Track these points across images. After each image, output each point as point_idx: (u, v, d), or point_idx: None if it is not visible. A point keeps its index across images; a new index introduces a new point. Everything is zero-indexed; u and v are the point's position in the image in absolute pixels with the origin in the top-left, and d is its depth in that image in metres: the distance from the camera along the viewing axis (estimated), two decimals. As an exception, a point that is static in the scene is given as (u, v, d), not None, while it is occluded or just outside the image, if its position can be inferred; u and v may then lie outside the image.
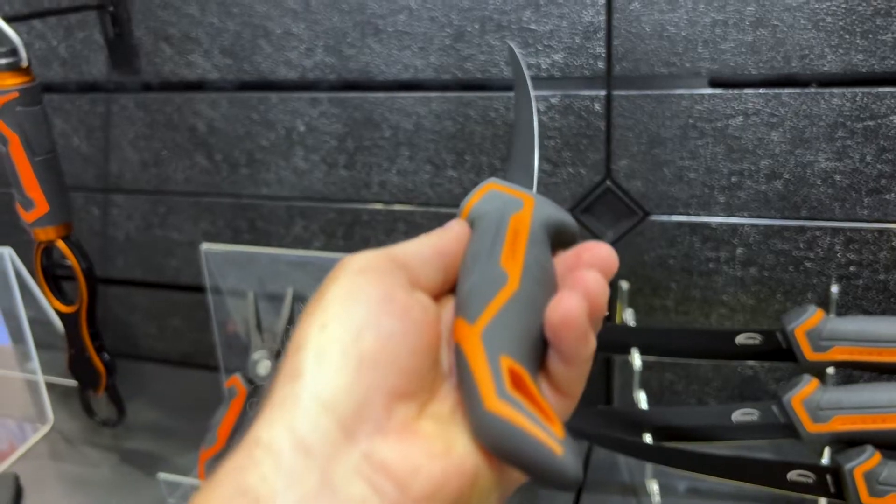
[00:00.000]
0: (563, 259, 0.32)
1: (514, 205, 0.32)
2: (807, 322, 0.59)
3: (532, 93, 0.39)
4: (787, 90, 0.61)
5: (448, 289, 0.32)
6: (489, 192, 0.34)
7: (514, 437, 0.24)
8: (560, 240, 0.33)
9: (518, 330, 0.27)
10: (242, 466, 0.24)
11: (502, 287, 0.28)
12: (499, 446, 0.25)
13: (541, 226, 0.32)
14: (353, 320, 0.27)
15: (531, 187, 0.35)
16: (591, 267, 0.30)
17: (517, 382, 0.26)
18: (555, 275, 0.31)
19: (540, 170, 0.67)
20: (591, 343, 0.28)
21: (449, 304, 0.31)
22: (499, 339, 0.27)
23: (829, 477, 0.56)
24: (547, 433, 0.24)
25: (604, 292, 0.28)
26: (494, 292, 0.28)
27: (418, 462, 0.25)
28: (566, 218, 0.33)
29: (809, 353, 0.60)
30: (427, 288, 0.30)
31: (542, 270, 0.30)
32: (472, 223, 0.33)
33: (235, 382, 0.71)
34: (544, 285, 0.29)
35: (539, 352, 0.28)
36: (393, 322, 0.27)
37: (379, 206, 0.77)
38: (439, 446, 0.26)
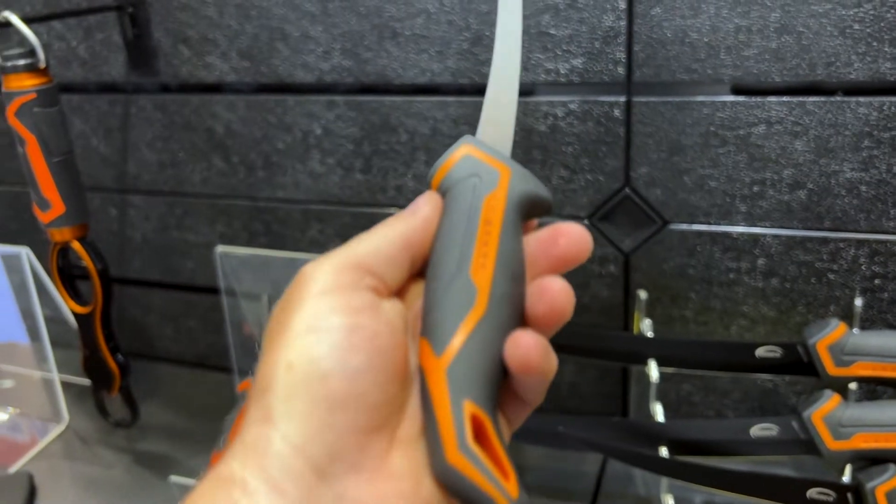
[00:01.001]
0: (538, 237, 0.31)
1: (489, 179, 0.31)
2: (829, 336, 0.58)
3: (520, 32, 0.36)
4: (811, 98, 0.60)
5: (417, 271, 0.31)
6: (464, 158, 0.32)
7: (471, 493, 0.26)
8: (534, 210, 0.32)
9: (483, 364, 0.28)
10: (217, 502, 0.25)
11: (471, 309, 0.28)
12: (456, 495, 0.27)
13: (514, 206, 0.31)
14: (319, 360, 0.26)
15: (507, 149, 0.34)
16: (566, 255, 0.30)
17: (479, 432, 0.27)
18: (524, 265, 0.31)
19: (558, 176, 0.66)
20: (552, 369, 0.29)
21: (418, 290, 0.31)
22: (464, 379, 0.27)
23: (849, 495, 0.54)
24: (501, 492, 0.26)
25: (570, 302, 0.29)
26: (463, 315, 0.28)
27: (389, 503, 0.26)
28: (541, 191, 0.32)
29: (831, 368, 0.58)
30: (393, 285, 0.30)
31: (511, 270, 0.30)
32: (444, 193, 0.32)
33: (248, 387, 0.70)
34: (513, 292, 0.29)
35: (502, 373, 0.29)
36: (360, 358, 0.27)
37: (394, 211, 0.76)
38: (408, 485, 0.27)
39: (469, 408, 0.27)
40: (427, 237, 0.31)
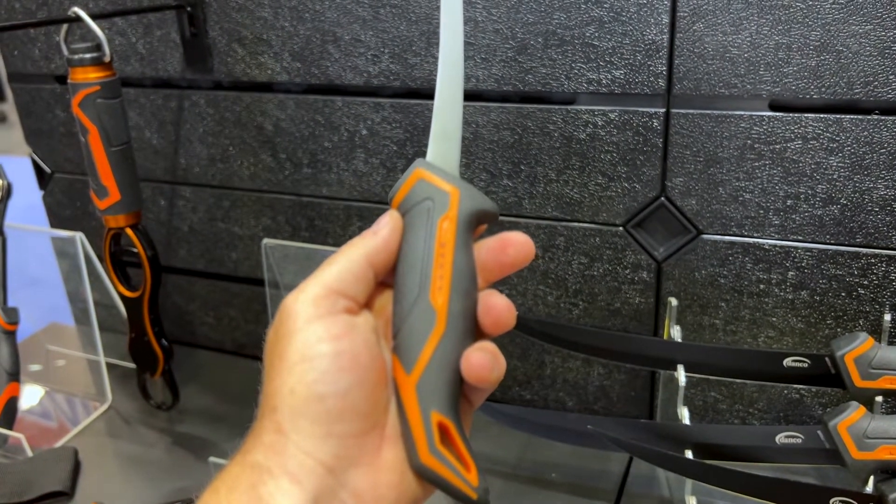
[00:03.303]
0: (489, 246, 0.36)
1: (441, 201, 0.35)
2: (857, 349, 0.59)
3: (462, 46, 0.37)
4: (848, 116, 0.61)
5: (383, 279, 0.36)
6: (417, 183, 0.36)
7: (441, 484, 0.34)
8: (483, 221, 0.37)
9: (445, 377, 0.34)
10: (253, 484, 0.31)
11: (432, 329, 0.34)
12: (431, 485, 0.34)
13: (465, 224, 0.35)
14: (314, 384, 0.32)
15: (455, 166, 0.37)
16: (514, 262, 0.36)
17: (444, 435, 0.34)
18: (475, 279, 0.35)
19: (595, 183, 0.68)
20: (500, 377, 0.34)
21: (383, 298, 0.36)
22: (430, 392, 0.33)
23: (872, 505, 0.56)
24: (465, 483, 0.34)
25: (512, 316, 0.35)
26: (425, 336, 0.34)
27: (382, 491, 0.33)
28: (487, 205, 0.36)
29: (858, 381, 0.60)
30: (363, 300, 0.35)
31: (465, 287, 0.34)
32: (403, 214, 0.36)
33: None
34: (466, 308, 0.34)
35: (461, 381, 0.34)
36: (347, 378, 0.32)
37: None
38: (396, 477, 0.34)
39: (435, 417, 0.33)
40: (388, 254, 0.35)
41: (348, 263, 0.34)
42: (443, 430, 0.34)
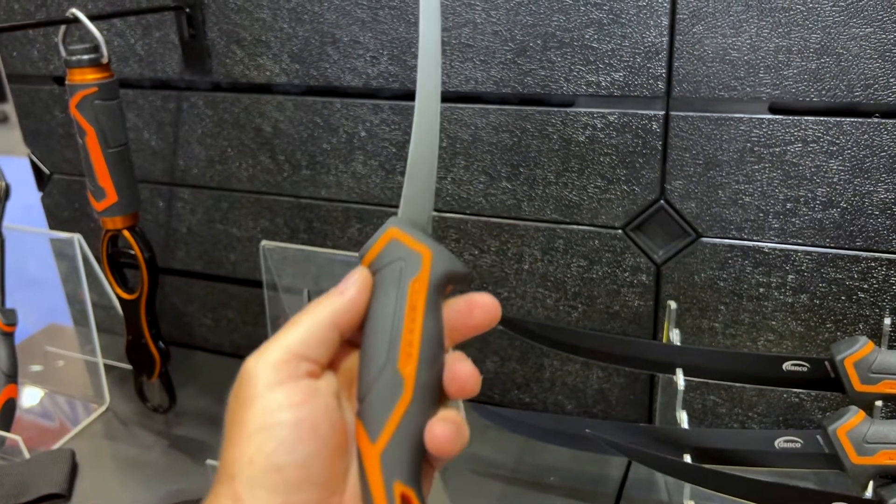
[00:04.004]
0: (456, 308, 0.35)
1: (413, 263, 0.35)
2: (856, 353, 0.59)
3: (438, 105, 0.37)
4: (848, 119, 0.61)
5: (349, 337, 0.35)
6: (390, 243, 0.35)
7: None
8: (455, 282, 0.36)
9: (409, 447, 0.33)
10: None
11: (399, 398, 0.33)
12: None
13: (436, 287, 0.35)
14: (273, 455, 0.32)
15: (428, 223, 0.37)
16: (480, 325, 0.35)
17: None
18: (443, 344, 0.35)
19: (594, 186, 0.67)
20: (463, 446, 0.34)
21: (347, 358, 0.36)
22: (394, 463, 0.33)
23: (871, 510, 0.55)
24: None
25: (477, 383, 0.34)
26: (392, 405, 0.33)
27: None
28: (458, 268, 0.36)
29: (858, 385, 0.59)
30: (326, 361, 0.34)
31: (433, 354, 0.34)
32: (374, 272, 0.35)
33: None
34: (433, 375, 0.34)
35: (424, 450, 0.34)
36: (306, 448, 0.32)
37: (432, 214, 0.79)
38: None
39: (398, 487, 0.33)
40: (355, 314, 0.34)
41: (313, 325, 0.34)
42: (405, 501, 0.33)
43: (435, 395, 0.34)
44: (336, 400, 0.34)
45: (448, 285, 0.36)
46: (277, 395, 0.32)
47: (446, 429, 0.33)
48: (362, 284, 0.35)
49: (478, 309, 0.35)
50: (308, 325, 0.34)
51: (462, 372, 0.34)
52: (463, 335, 0.36)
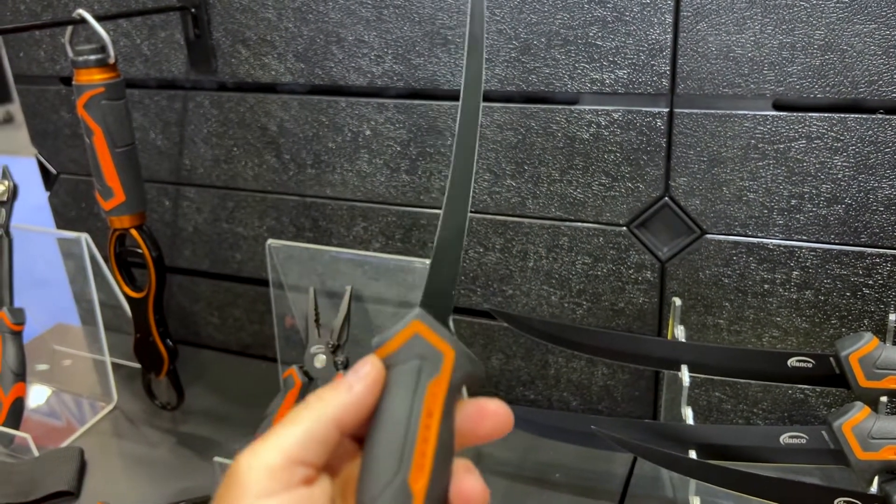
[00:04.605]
0: (466, 413, 0.32)
1: (433, 363, 0.31)
2: (861, 349, 0.59)
3: (469, 201, 0.34)
4: (852, 115, 0.61)
5: (351, 432, 0.32)
6: (413, 338, 0.32)
7: None
8: (471, 385, 0.33)
9: None
10: None
11: None
12: None
13: (454, 391, 0.32)
14: None
15: (449, 317, 0.34)
16: (491, 434, 0.32)
17: None
18: (454, 453, 0.32)
19: (598, 183, 0.68)
20: None
21: (350, 452, 0.32)
22: None
23: (876, 506, 0.55)
24: None
25: (486, 502, 0.31)
26: None
27: None
28: (479, 371, 0.33)
29: (862, 381, 0.59)
30: (324, 463, 0.31)
31: (445, 466, 0.31)
32: (388, 365, 0.32)
33: (292, 374, 0.73)
34: (443, 490, 0.31)
35: None
36: None
37: (437, 212, 0.79)
38: None
39: None
40: (362, 411, 0.31)
41: (313, 425, 0.30)
42: None
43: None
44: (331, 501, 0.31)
45: (465, 388, 0.33)
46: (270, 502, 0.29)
47: None
48: (374, 380, 0.31)
49: (489, 418, 0.32)
50: (308, 425, 0.30)
51: (471, 491, 0.31)
52: (469, 443, 0.32)
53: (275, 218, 0.87)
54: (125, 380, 0.91)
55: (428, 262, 0.71)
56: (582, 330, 0.70)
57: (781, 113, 0.63)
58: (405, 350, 0.32)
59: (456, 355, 0.32)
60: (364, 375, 0.31)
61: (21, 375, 0.81)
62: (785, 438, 0.61)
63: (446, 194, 0.34)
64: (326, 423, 0.30)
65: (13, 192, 0.83)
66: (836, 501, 0.57)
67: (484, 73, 0.35)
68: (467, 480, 0.31)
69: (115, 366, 0.89)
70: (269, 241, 0.80)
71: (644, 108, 0.67)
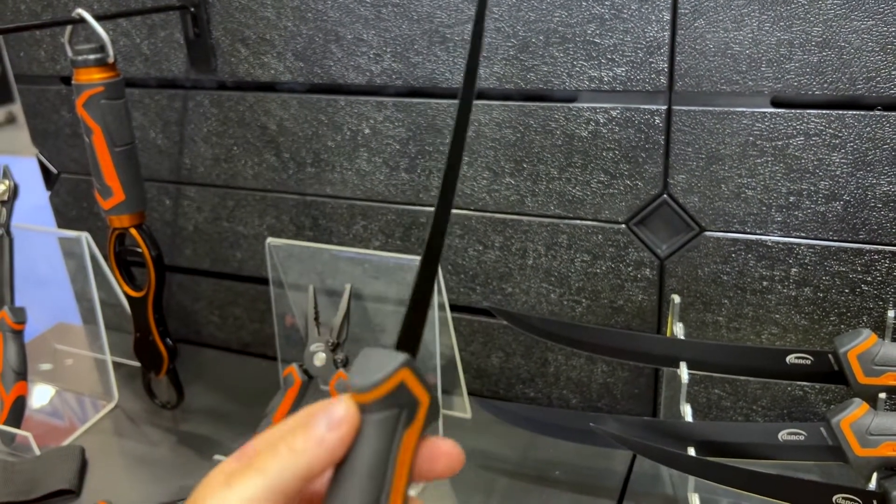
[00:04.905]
0: (422, 450, 0.32)
1: (411, 411, 0.30)
2: (860, 346, 0.59)
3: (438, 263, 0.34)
4: (850, 112, 0.61)
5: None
6: (399, 387, 0.30)
7: None
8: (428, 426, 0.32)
9: None
10: None
11: None
12: None
13: (422, 435, 0.31)
14: None
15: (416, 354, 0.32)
16: (443, 473, 0.31)
17: None
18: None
19: (597, 181, 0.68)
20: None
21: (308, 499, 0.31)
22: None
23: (875, 502, 0.55)
24: None
25: None
26: None
27: None
28: (438, 411, 0.32)
29: (861, 377, 0.59)
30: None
31: None
32: (365, 409, 0.30)
33: (292, 372, 0.73)
34: None
35: None
36: None
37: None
38: None
39: None
40: (332, 463, 0.29)
41: (278, 479, 0.29)
42: None
43: None
44: None
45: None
46: None
47: None
48: (349, 432, 0.29)
49: (443, 458, 0.32)
50: (274, 478, 0.29)
51: (449, 452, 0.31)
52: (419, 480, 0.32)
53: (275, 216, 0.88)
54: (126, 378, 0.91)
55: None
56: (581, 328, 0.70)
57: (779, 110, 0.63)
58: (388, 399, 0.29)
59: (430, 402, 0.30)
60: (338, 425, 0.29)
61: (22, 374, 0.81)
62: (783, 435, 0.61)
63: (424, 248, 0.33)
64: (293, 477, 0.29)
65: (14, 192, 0.84)
66: (834, 498, 0.57)
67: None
68: None
69: (115, 364, 0.89)
70: (269, 239, 0.80)
71: (642, 106, 0.67)
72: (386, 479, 0.29)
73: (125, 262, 0.80)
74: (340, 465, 0.29)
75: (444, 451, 0.32)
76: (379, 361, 0.30)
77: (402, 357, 0.30)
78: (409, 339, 0.32)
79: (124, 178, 0.74)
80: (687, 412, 0.65)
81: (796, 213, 0.65)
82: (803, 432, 0.60)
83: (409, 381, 0.30)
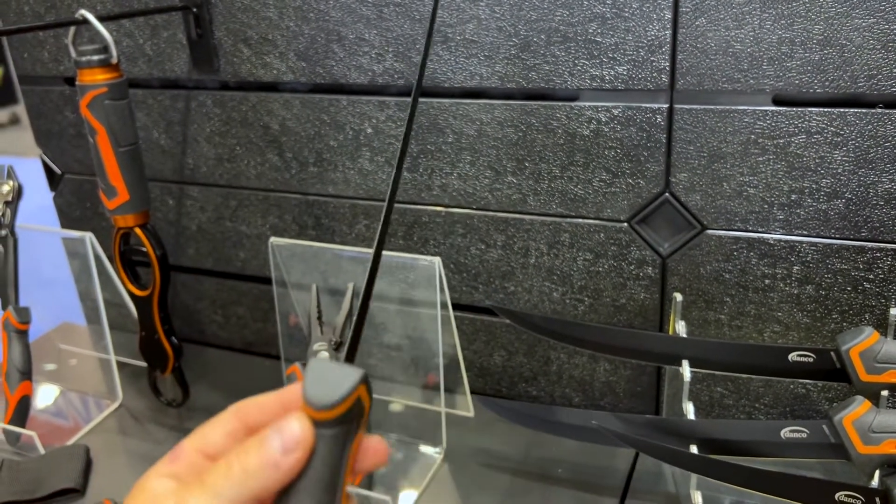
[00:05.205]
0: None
1: (358, 421, 0.30)
2: (862, 343, 0.59)
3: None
4: (852, 110, 0.61)
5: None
6: (355, 402, 0.29)
7: None
8: None
9: None
10: None
11: None
12: None
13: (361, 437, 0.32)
14: None
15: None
16: (370, 468, 0.33)
17: None
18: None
19: (599, 179, 0.68)
20: None
21: None
22: None
23: (877, 500, 0.55)
24: None
25: None
26: None
27: None
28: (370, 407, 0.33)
29: (863, 375, 0.59)
30: None
31: None
32: (321, 424, 0.29)
33: (295, 371, 0.74)
34: None
35: None
36: None
37: (439, 209, 0.79)
38: None
39: None
40: (284, 483, 0.29)
41: (230, 499, 0.29)
42: None
43: None
44: None
45: None
46: None
47: None
48: (303, 455, 0.29)
49: (371, 454, 0.32)
50: (226, 499, 0.29)
51: (379, 451, 0.32)
52: (352, 473, 0.32)
53: (277, 216, 0.88)
54: (130, 378, 0.91)
55: (430, 259, 0.71)
56: (584, 326, 0.70)
57: (781, 108, 0.63)
58: (345, 415, 0.29)
59: (370, 404, 0.30)
60: (293, 448, 0.29)
61: (27, 374, 0.81)
62: (786, 433, 0.61)
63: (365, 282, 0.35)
64: (245, 498, 0.29)
65: (18, 192, 0.84)
66: (836, 495, 0.57)
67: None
68: None
69: (120, 364, 0.89)
70: (272, 239, 0.80)
71: (644, 104, 0.67)
72: (338, 490, 0.29)
73: (130, 262, 0.80)
74: (293, 480, 0.29)
75: (372, 447, 0.32)
76: (335, 376, 0.29)
77: (359, 373, 0.29)
78: (354, 350, 0.33)
79: (129, 177, 0.74)
80: (689, 410, 0.65)
81: (798, 211, 0.66)
82: (806, 430, 0.60)
83: (363, 395, 0.29)
